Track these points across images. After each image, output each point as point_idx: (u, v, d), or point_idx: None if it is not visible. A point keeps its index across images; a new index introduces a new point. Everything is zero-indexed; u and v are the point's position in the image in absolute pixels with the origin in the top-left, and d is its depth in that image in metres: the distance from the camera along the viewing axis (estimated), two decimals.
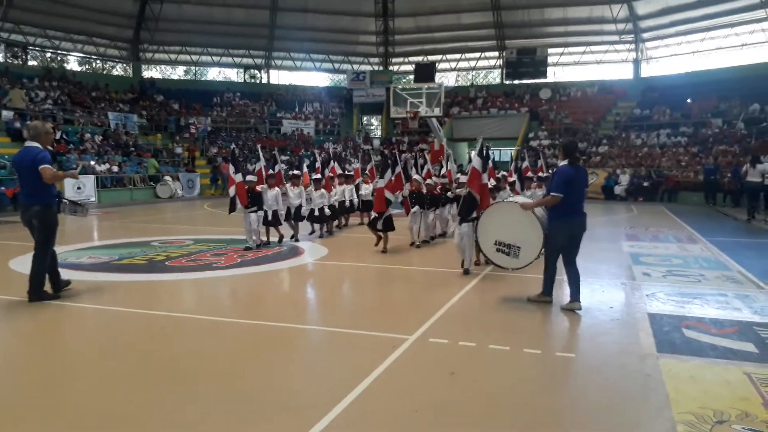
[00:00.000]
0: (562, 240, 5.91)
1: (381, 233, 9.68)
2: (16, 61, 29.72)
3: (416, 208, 10.03)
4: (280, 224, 10.44)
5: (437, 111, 22.21)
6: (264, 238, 10.34)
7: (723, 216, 17.00)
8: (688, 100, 29.23)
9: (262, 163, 10.67)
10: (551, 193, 5.85)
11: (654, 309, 5.91)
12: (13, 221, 14.21)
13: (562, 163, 5.94)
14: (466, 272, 7.74)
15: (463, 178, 7.99)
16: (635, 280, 7.48)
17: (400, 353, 4.53)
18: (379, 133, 38.23)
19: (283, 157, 26.47)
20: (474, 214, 7.40)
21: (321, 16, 35.03)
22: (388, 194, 9.54)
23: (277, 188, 10.25)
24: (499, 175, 9.61)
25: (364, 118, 39.64)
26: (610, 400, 3.78)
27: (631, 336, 5.05)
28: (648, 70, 33.88)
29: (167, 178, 24.69)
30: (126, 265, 8.39)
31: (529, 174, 13.10)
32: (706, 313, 5.76)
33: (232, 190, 9.85)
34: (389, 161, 9.87)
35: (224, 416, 3.47)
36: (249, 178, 9.99)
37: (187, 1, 33.04)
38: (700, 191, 21.50)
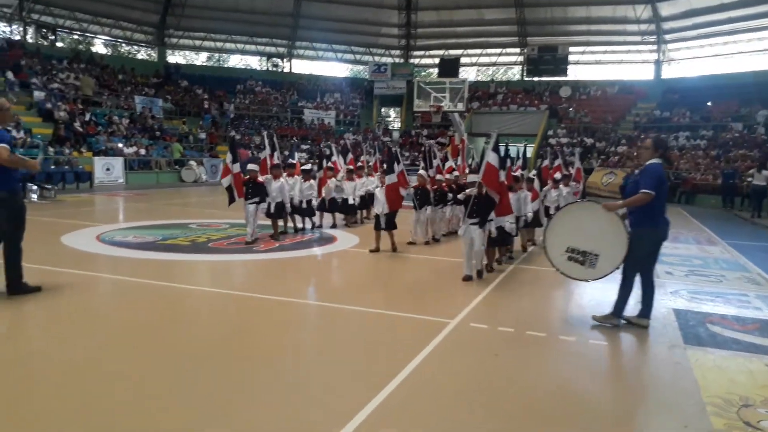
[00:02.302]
0: (648, 248, 5.31)
1: (385, 231, 9.00)
2: (45, 42, 30.34)
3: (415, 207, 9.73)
4: (281, 217, 9.95)
5: (460, 106, 22.54)
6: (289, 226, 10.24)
7: (741, 220, 17.21)
8: (709, 103, 29.31)
9: (268, 151, 10.12)
10: (643, 190, 5.08)
11: (679, 305, 6.27)
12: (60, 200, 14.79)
13: (654, 160, 5.27)
14: (467, 278, 7.10)
15: (473, 177, 7.35)
16: (659, 277, 7.75)
17: (445, 335, 4.92)
18: (398, 125, 38.57)
19: (303, 147, 26.94)
20: (484, 217, 7.03)
21: (344, 7, 35.34)
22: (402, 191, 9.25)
23: (282, 179, 9.71)
24: (517, 174, 9.40)
25: (383, 110, 39.97)
26: (643, 382, 4.18)
27: (659, 328, 5.41)
28: (669, 72, 33.95)
29: (192, 162, 25.23)
30: (171, 245, 8.85)
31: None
32: (729, 311, 6.10)
33: (225, 181, 9.37)
34: (395, 154, 9.48)
35: (279, 389, 3.86)
36: (250, 167, 9.51)
37: None
38: (718, 194, 21.66)
